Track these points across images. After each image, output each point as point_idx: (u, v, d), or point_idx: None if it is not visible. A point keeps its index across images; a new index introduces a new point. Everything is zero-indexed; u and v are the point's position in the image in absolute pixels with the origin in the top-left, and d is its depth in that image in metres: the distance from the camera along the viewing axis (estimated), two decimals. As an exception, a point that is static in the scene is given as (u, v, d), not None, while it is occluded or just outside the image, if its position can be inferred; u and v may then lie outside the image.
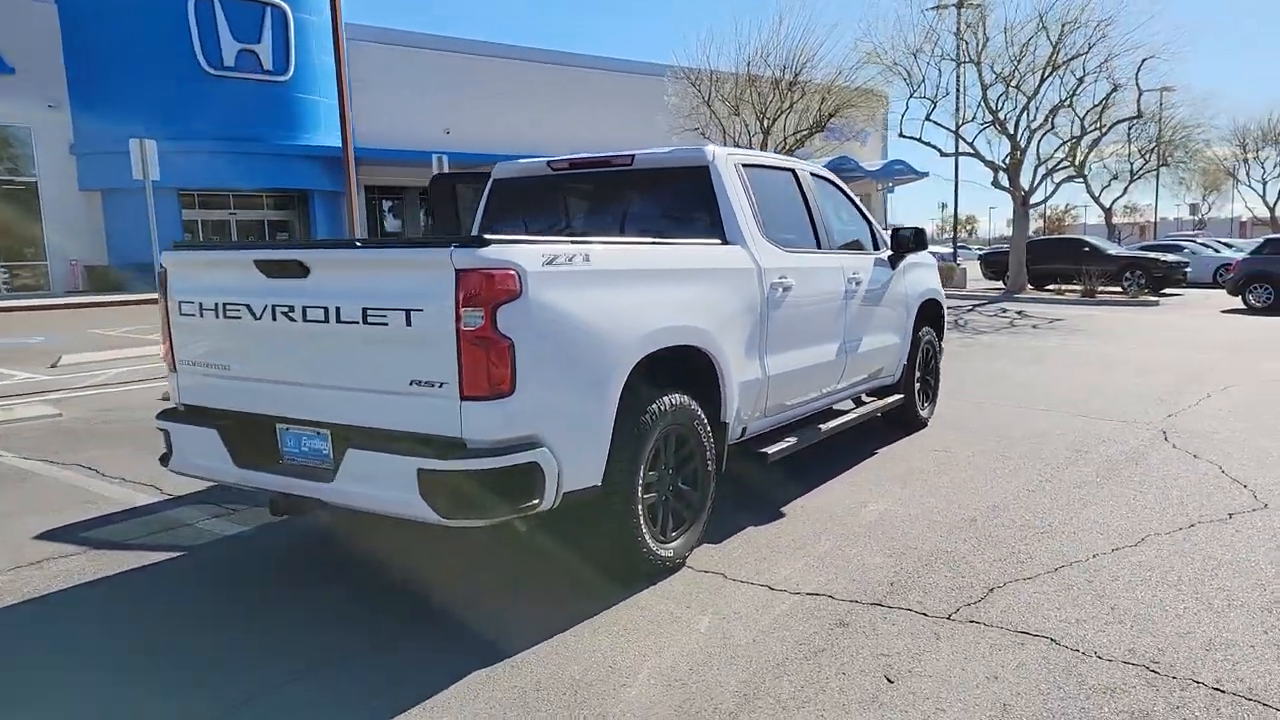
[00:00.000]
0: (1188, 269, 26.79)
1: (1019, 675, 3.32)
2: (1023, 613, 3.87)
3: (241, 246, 4.53)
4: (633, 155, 5.43)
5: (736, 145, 28.03)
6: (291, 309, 3.81)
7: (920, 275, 7.57)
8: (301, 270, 3.77)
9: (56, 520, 5.43)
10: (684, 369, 4.47)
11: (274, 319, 3.87)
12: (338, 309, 3.67)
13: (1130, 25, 44.91)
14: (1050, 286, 27.16)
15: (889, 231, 7.06)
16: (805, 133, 28.41)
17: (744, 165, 5.38)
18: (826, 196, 6.38)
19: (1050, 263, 27.07)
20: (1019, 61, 24.17)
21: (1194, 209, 65.06)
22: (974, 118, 25.88)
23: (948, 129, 26.19)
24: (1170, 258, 26.74)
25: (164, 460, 4.45)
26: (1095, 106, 25.97)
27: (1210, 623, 3.75)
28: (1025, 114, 25.21)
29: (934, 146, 27.07)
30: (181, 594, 4.31)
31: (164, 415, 4.44)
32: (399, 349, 3.56)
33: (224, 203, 35.11)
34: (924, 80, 25.47)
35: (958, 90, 26.39)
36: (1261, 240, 23.64)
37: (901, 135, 26.27)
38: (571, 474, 3.74)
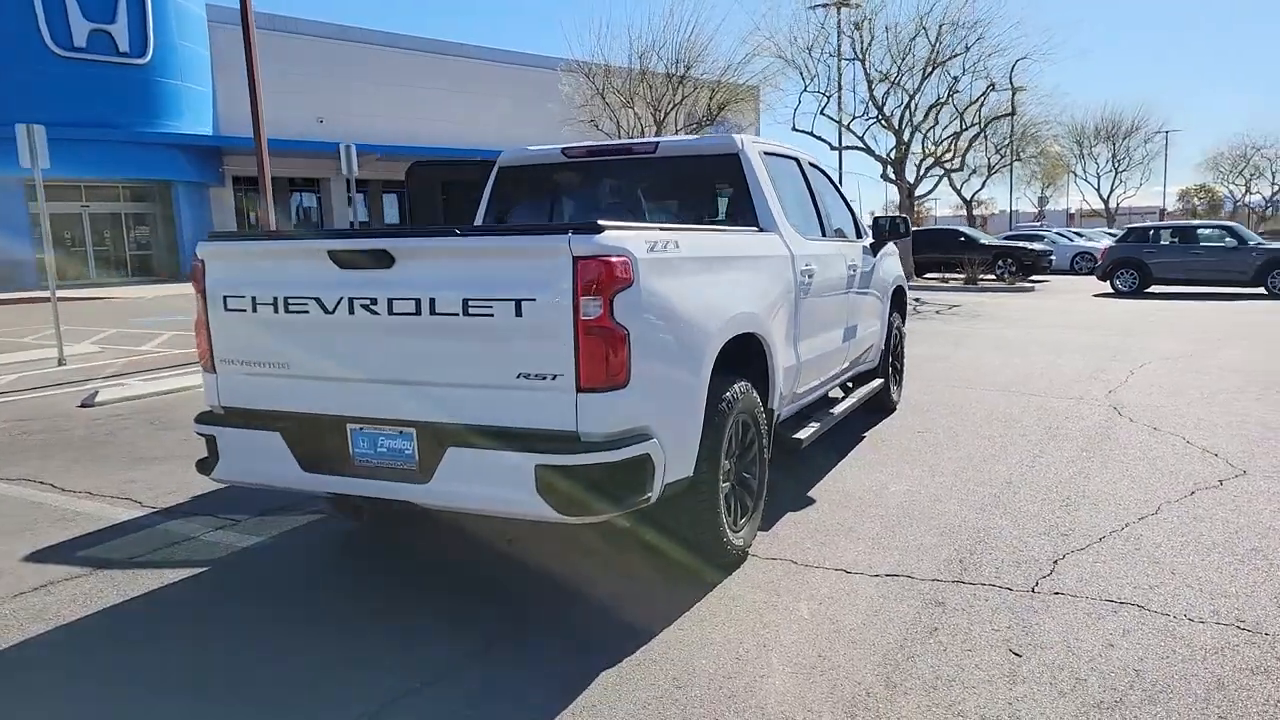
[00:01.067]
0: (1052, 257, 28.57)
1: (1131, 641, 3.46)
2: (1097, 582, 4.03)
3: (307, 235, 4.23)
4: (656, 143, 5.35)
5: (629, 137, 28.11)
6: (373, 302, 3.57)
7: (891, 263, 7.79)
8: (385, 260, 3.54)
9: (39, 541, 4.93)
10: (740, 357, 4.45)
11: (350, 312, 3.62)
12: (431, 301, 3.47)
13: (1004, 27, 47.58)
14: (931, 275, 28.45)
15: (869, 219, 7.22)
16: (695, 126, 28.75)
17: (764, 153, 5.40)
18: (822, 185, 6.47)
19: (929, 252, 28.33)
20: (902, 60, 25.20)
21: (1043, 201, 69.51)
22: (863, 113, 26.79)
23: (839, 123, 26.99)
24: (1036, 246, 28.43)
25: (204, 467, 4.10)
26: (973, 104, 27.37)
27: (1265, 580, 4.00)
28: (908, 111, 26.28)
29: (824, 140, 27.79)
30: (229, 610, 3.99)
31: (205, 419, 4.09)
32: (505, 341, 3.39)
33: (75, 194, 32.66)
34: (815, 76, 26.18)
35: (839, 87, 27.22)
36: (1125, 229, 25.48)
37: (794, 129, 26.88)
38: (673, 465, 3.66)
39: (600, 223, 3.32)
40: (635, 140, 5.45)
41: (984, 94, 27.04)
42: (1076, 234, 37.96)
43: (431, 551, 4.69)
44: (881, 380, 7.45)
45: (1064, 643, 3.46)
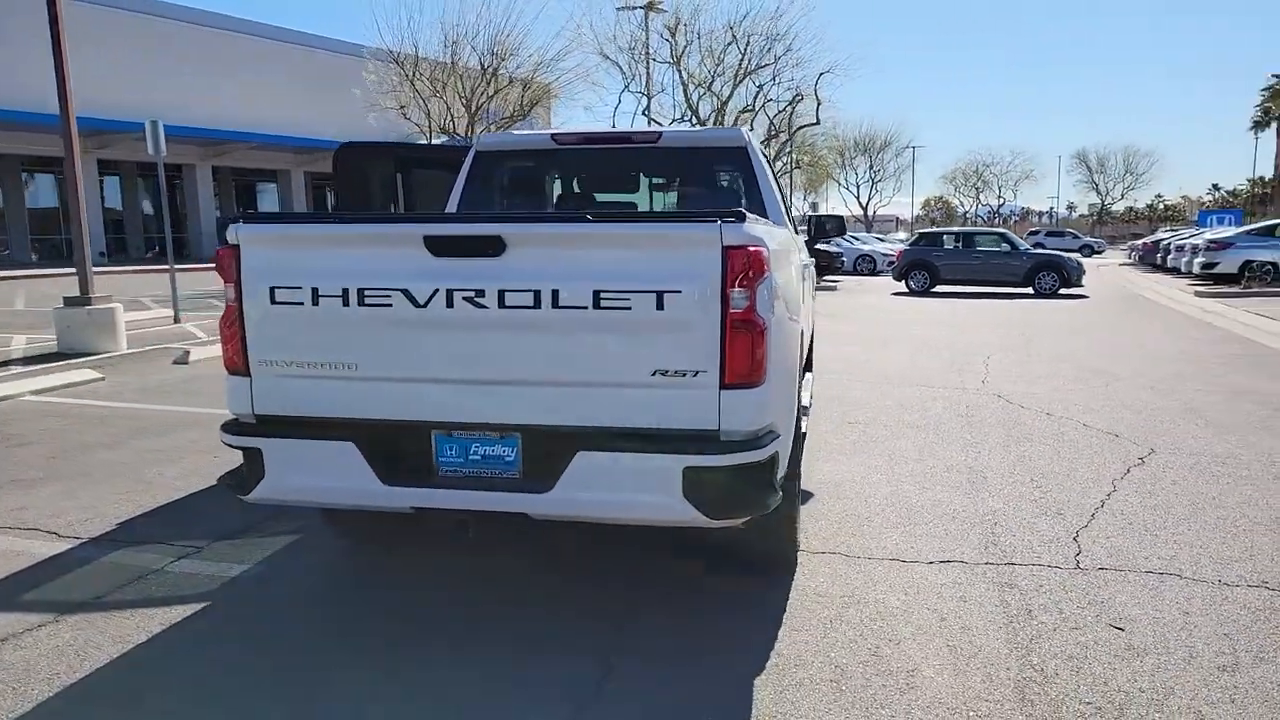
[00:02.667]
0: (843, 259, 30.56)
1: (1198, 608, 3.76)
2: (1124, 555, 4.35)
3: (392, 219, 3.95)
4: (659, 132, 5.21)
5: (441, 129, 27.26)
6: (479, 294, 3.23)
7: (811, 261, 8.01)
8: (495, 248, 3.21)
9: (-35, 583, 4.09)
10: None
11: (449, 306, 3.25)
12: (554, 293, 3.18)
13: (807, 40, 50.16)
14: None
15: (810, 218, 7.40)
16: (508, 120, 28.36)
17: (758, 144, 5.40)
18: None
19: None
20: (715, 67, 26.09)
21: (814, 207, 74.26)
22: (681, 116, 27.42)
23: (658, 124, 27.48)
24: (830, 248, 30.25)
25: (241, 487, 3.55)
26: (780, 113, 28.80)
27: (1254, 543, 4.47)
28: (720, 116, 27.24)
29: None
30: (283, 653, 3.48)
31: (240, 430, 3.53)
32: (641, 337, 3.18)
33: None
34: (634, 76, 26.54)
35: (648, 91, 27.76)
36: (916, 234, 27.69)
37: (614, 129, 27.09)
38: (782, 463, 3.59)
39: (741, 210, 3.18)
40: (635, 130, 5.28)
41: (791, 103, 28.51)
42: (855, 238, 40.81)
43: (453, 565, 4.32)
44: (810, 375, 7.65)
45: (1148, 616, 3.70)
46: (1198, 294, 20.71)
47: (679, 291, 3.12)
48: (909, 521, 4.88)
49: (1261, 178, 78.16)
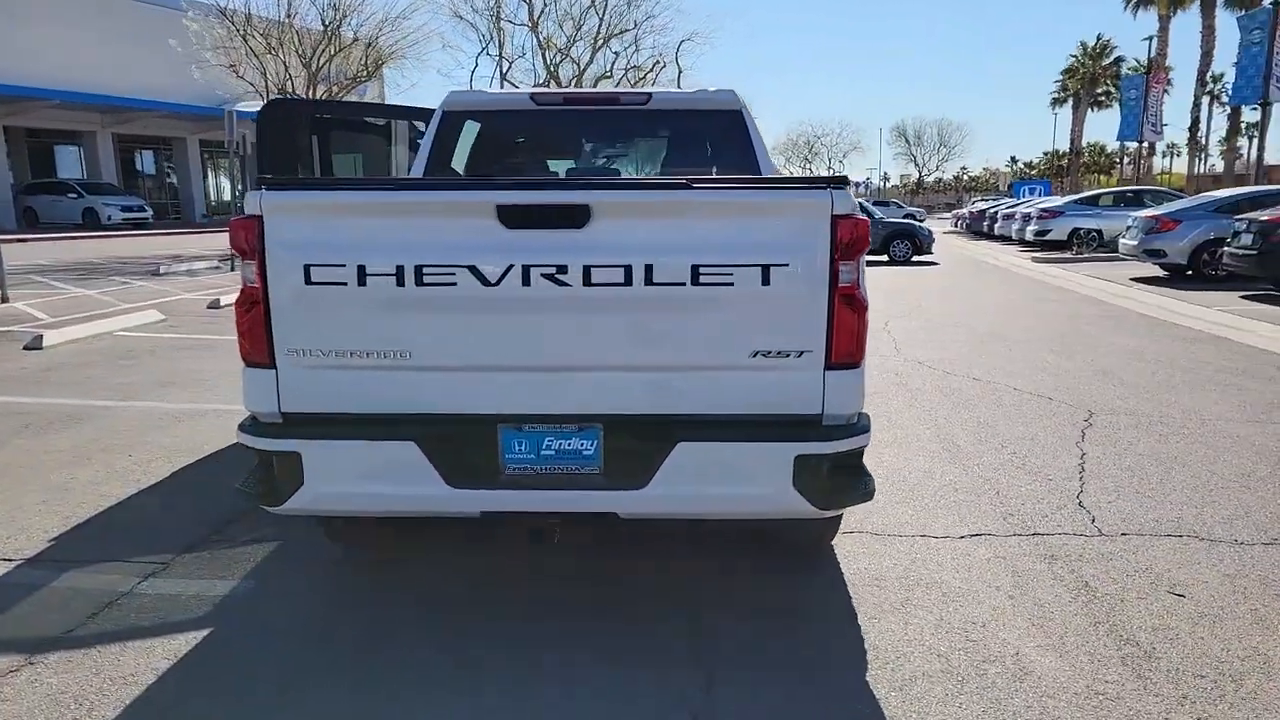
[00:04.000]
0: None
1: (1236, 569, 3.87)
2: (1135, 519, 4.44)
3: (459, 185, 3.53)
4: (649, 94, 4.87)
5: (280, 90, 25.52)
6: (560, 271, 2.86)
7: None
8: (579, 218, 2.85)
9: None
10: None
11: (524, 283, 2.87)
12: (648, 269, 2.86)
13: (669, 5, 49.66)
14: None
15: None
16: (351, 82, 26.87)
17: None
18: None
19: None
20: (575, 32, 25.52)
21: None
22: (541, 81, 26.67)
23: (515, 87, 26.63)
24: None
25: (270, 497, 3.03)
26: (640, 80, 28.52)
27: (1241, 499, 4.68)
28: (578, 83, 26.71)
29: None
30: (348, 695, 3.02)
31: (270, 432, 3.01)
32: (743, 315, 2.91)
33: None
34: (491, 39, 25.59)
35: (502, 53, 26.93)
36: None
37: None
38: None
39: (842, 175, 2.95)
40: (623, 90, 4.90)
41: (652, 69, 28.32)
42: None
43: (471, 567, 3.92)
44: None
45: (1195, 580, 3.77)
46: (1035, 260, 22.15)
47: (785, 265, 2.86)
48: (914, 495, 4.83)
49: (1059, 151, 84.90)
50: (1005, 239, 29.32)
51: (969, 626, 3.36)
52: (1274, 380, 7.73)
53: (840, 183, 2.88)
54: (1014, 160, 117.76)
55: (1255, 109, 28.92)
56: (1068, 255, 22.36)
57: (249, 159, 19.73)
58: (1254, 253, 13.03)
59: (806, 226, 2.86)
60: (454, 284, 2.87)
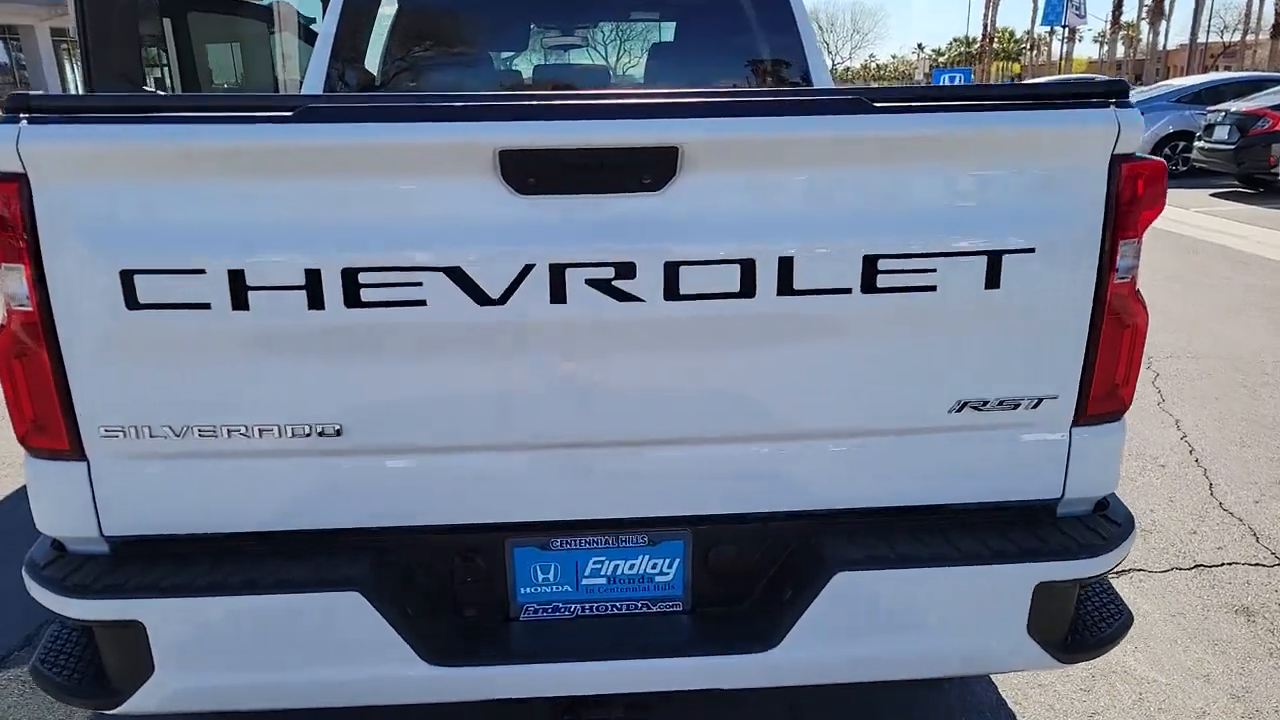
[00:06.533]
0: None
1: None
2: (1304, 529, 3.43)
3: (425, 110, 1.48)
4: None
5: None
6: (622, 272, 1.52)
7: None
8: (657, 171, 1.50)
9: None
10: None
11: (555, 298, 1.52)
12: (784, 266, 1.54)
13: None
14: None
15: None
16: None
17: None
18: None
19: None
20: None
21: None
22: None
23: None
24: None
25: (97, 694, 1.66)
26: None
27: None
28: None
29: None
30: None
31: (86, 582, 1.62)
32: (946, 338, 1.63)
33: None
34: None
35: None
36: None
37: None
38: None
39: (1123, 82, 1.64)
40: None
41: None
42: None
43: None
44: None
45: None
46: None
47: (1030, 250, 1.57)
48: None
49: (970, 37, 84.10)
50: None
51: (1180, 668, 2.28)
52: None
53: (1121, 94, 1.58)
54: (921, 48, 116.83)
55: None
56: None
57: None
58: (1230, 147, 12.21)
59: (1068, 177, 1.58)
60: (422, 302, 1.50)
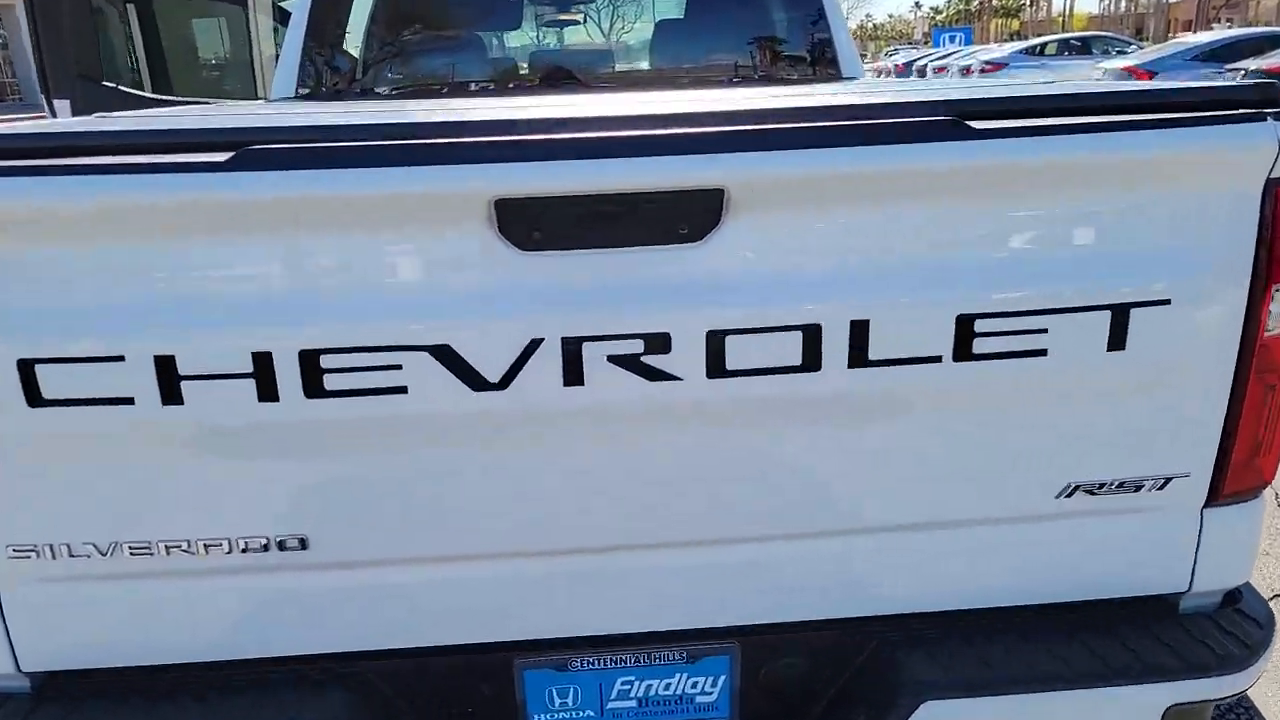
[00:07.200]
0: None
1: None
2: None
3: (389, 141, 1.17)
4: None
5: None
6: (654, 345, 1.20)
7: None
8: (694, 217, 1.17)
9: None
10: None
11: (570, 381, 1.20)
12: (856, 332, 1.21)
13: None
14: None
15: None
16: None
17: None
18: None
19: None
20: None
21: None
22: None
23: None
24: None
25: None
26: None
27: None
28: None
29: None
30: None
31: None
32: (1056, 410, 1.32)
33: None
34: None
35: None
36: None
37: None
38: None
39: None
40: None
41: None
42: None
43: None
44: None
45: None
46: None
47: (1164, 302, 1.24)
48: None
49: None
50: (936, 93, 27.74)
51: None
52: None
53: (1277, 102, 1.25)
54: (919, 5, 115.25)
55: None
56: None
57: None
58: (1250, 108, 11.77)
59: (1211, 209, 1.26)
60: (401, 390, 1.19)
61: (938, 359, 1.23)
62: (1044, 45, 23.31)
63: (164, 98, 4.35)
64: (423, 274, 1.19)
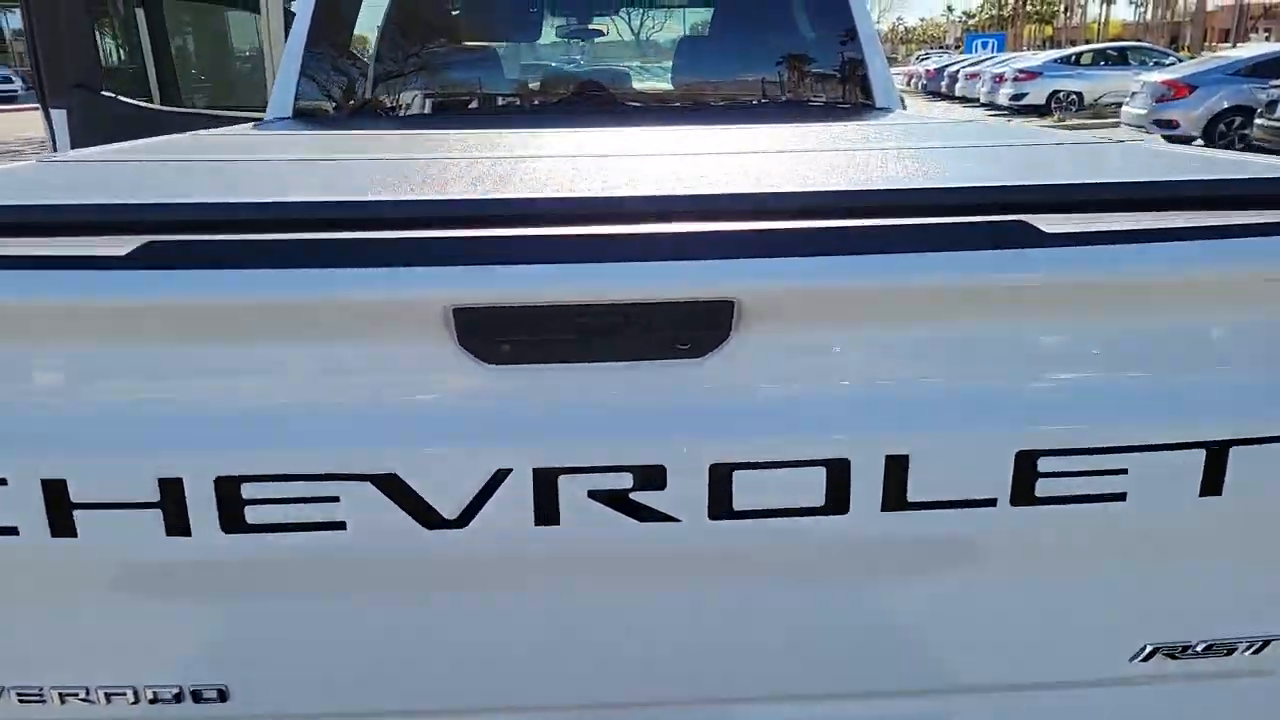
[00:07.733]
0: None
1: None
2: None
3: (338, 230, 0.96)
4: None
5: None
6: (647, 481, 0.98)
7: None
8: (695, 329, 0.96)
9: None
10: None
11: (542, 519, 0.99)
12: (893, 469, 0.99)
13: None
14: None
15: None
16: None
17: None
18: None
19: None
20: None
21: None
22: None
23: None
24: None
25: None
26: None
27: None
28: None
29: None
30: None
31: None
32: (1131, 565, 1.09)
33: None
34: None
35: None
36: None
37: None
38: None
39: None
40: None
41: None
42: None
43: None
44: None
45: None
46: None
47: (1273, 440, 1.01)
48: None
49: None
50: (967, 100, 27.29)
51: None
52: None
53: None
54: (951, 10, 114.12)
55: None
56: (1049, 122, 20.60)
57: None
58: (1296, 126, 11.41)
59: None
60: (339, 525, 0.98)
61: (992, 503, 1.01)
62: (1079, 55, 22.85)
63: (164, 109, 4.19)
64: (365, 390, 0.98)
